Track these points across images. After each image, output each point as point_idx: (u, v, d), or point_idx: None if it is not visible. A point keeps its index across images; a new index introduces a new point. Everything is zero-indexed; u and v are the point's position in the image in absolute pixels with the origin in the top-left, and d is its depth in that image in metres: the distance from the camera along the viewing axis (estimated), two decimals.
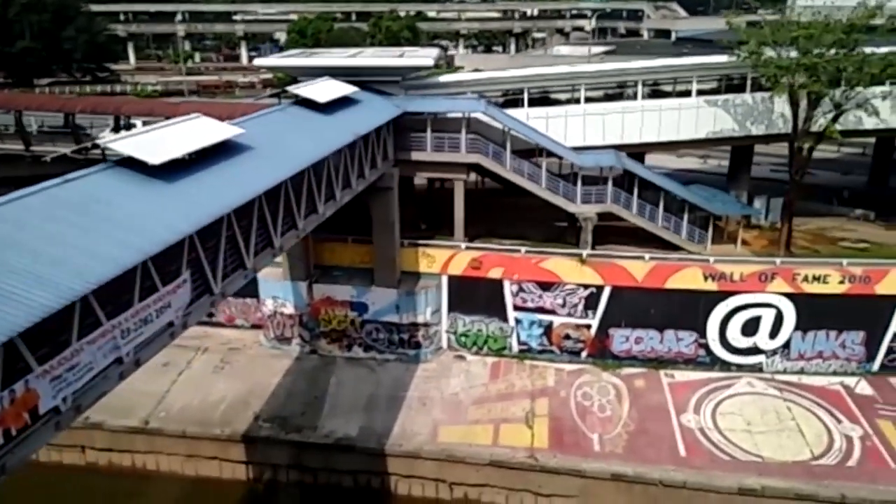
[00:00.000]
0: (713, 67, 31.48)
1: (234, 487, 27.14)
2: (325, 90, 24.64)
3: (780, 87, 27.87)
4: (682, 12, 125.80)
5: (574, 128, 31.75)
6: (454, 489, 26.03)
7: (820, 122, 29.15)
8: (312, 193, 20.86)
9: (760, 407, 27.96)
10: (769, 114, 31.85)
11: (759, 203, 35.89)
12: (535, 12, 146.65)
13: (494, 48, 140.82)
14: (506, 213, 35.55)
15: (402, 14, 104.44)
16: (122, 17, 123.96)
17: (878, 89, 30.33)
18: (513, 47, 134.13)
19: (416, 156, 29.84)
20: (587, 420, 27.40)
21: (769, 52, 28.35)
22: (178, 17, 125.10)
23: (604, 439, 26.38)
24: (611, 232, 32.64)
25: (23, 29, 78.31)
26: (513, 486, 25.54)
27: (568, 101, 31.99)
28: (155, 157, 14.35)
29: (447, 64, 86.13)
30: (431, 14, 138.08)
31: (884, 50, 27.64)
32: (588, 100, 32.05)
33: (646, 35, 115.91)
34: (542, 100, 32.73)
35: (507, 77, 32.45)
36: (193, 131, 16.71)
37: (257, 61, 32.35)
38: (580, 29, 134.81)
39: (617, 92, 32.32)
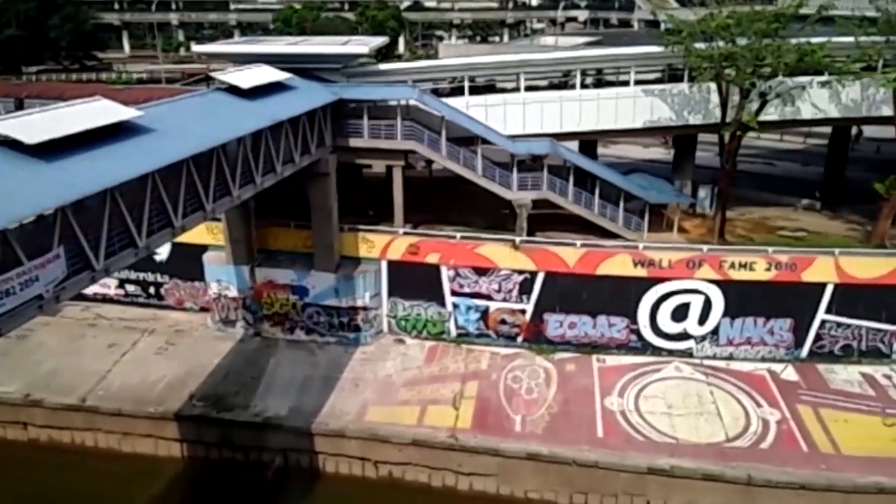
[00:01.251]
0: (650, 57, 31.75)
1: (169, 464, 27.86)
2: (250, 76, 25.17)
3: (702, 77, 28.23)
4: (673, 2, 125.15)
5: (514, 116, 32.16)
6: (379, 468, 26.68)
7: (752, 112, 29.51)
8: (224, 176, 21.43)
9: (684, 391, 28.49)
10: (706, 103, 32.10)
11: (703, 192, 36.31)
12: (534, 2, 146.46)
13: (490, 38, 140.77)
14: (455, 200, 35.98)
15: (391, 3, 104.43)
16: (116, 6, 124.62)
17: (815, 78, 30.67)
18: (506, 37, 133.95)
19: (353, 142, 30.34)
20: (513, 402, 27.99)
21: (698, 44, 28.68)
22: (172, 5, 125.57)
23: (526, 420, 26.97)
24: (555, 220, 33.11)
25: (9, 17, 79.14)
26: (434, 464, 26.17)
27: (509, 90, 32.39)
28: (32, 137, 14.95)
29: (436, 53, 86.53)
30: (430, 3, 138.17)
31: (806, 40, 27.92)
32: (529, 88, 32.43)
33: (636, 26, 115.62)
34: (487, 88, 33.17)
35: (446, 66, 32.87)
36: (87, 113, 17.29)
37: (195, 48, 32.97)
38: (574, 19, 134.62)
39: (558, 81, 32.72)
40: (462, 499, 25.99)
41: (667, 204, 34.70)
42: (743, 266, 28.94)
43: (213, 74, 25.33)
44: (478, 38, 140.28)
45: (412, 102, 30.40)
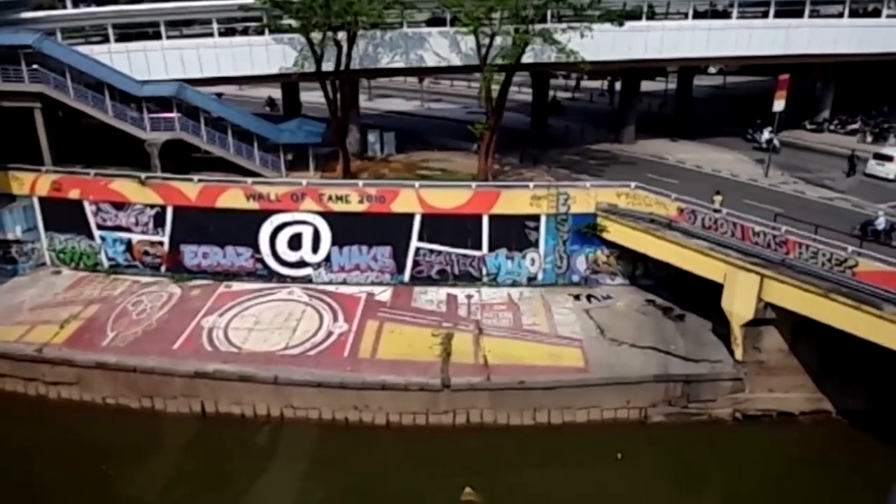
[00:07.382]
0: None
1: None
2: None
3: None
4: None
5: (156, 63, 34.37)
6: None
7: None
8: None
9: (280, 311, 31.38)
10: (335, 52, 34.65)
11: (372, 137, 39.30)
12: None
13: None
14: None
15: None
16: None
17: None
18: None
19: None
20: (118, 322, 30.61)
21: None
22: None
23: (119, 336, 29.65)
24: (221, 163, 35.68)
25: None
26: (26, 375, 28.81)
27: (151, 37, 34.56)
28: None
29: None
30: None
31: None
32: (171, 36, 34.67)
33: None
34: (144, 35, 35.22)
35: (88, 13, 34.93)
36: None
37: None
38: None
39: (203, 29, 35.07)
40: (52, 406, 28.70)
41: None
42: (340, 199, 31.87)
43: None
44: None
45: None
